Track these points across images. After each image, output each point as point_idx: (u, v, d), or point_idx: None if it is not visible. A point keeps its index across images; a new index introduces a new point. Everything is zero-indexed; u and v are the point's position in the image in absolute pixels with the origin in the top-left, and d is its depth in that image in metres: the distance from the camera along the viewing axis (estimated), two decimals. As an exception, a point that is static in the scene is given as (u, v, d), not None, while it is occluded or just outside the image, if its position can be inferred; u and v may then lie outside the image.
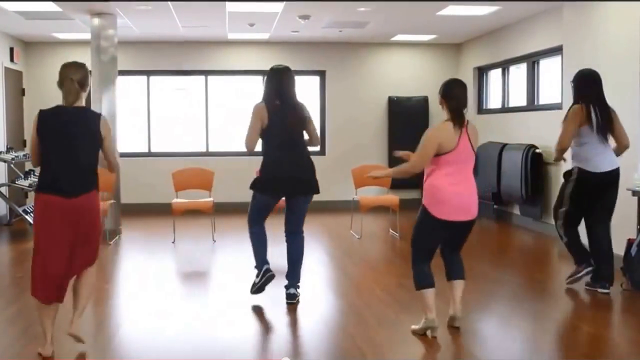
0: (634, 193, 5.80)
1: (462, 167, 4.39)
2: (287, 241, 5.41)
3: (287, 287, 5.37)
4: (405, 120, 11.30)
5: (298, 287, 5.40)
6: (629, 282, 5.62)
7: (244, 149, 5.25)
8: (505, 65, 10.11)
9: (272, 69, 5.32)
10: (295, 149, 5.24)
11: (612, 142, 5.48)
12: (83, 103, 4.12)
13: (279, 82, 5.22)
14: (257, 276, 5.37)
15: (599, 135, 5.37)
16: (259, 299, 5.35)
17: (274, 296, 5.53)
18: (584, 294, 5.60)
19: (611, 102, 5.49)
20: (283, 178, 5.17)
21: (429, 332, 4.41)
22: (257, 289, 5.36)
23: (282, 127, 5.15)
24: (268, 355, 4.33)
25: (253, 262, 5.37)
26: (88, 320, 5.04)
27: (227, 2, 7.90)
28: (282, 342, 4.53)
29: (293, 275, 5.38)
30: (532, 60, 9.20)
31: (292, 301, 5.30)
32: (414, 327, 4.52)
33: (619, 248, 5.66)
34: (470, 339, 4.59)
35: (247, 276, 6.28)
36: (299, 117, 5.23)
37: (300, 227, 5.38)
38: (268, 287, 5.35)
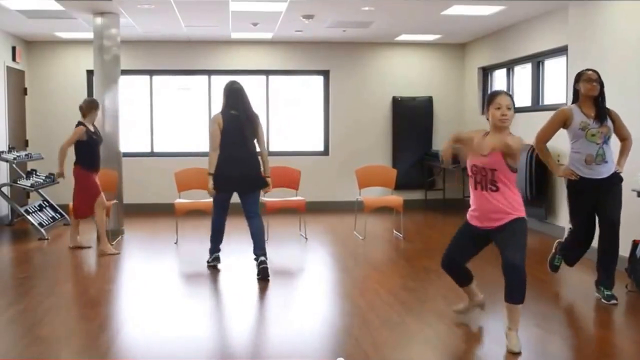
0: (639, 194, 5.76)
1: None
2: (248, 224, 6.35)
3: (256, 259, 6.18)
4: (409, 120, 11.28)
5: (265, 256, 6.15)
6: (634, 284, 5.59)
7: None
8: (510, 65, 10.07)
9: (228, 87, 6.53)
10: (245, 149, 6.25)
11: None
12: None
13: (234, 97, 6.41)
14: (208, 260, 6.70)
15: None
16: (261, 301, 5.34)
17: (276, 297, 5.50)
18: (588, 295, 5.56)
19: (616, 103, 5.45)
20: (232, 177, 6.20)
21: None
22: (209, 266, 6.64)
23: (234, 132, 6.20)
24: (268, 355, 4.31)
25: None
26: (90, 320, 5.02)
27: (230, 1, 7.87)
28: (285, 343, 4.50)
29: (259, 247, 6.25)
30: (537, 60, 9.16)
31: (264, 266, 6.06)
32: None
33: (624, 249, 5.62)
34: (472, 339, 4.56)
35: (249, 276, 6.27)
36: (250, 124, 6.33)
37: (256, 212, 6.33)
38: (270, 291, 5.51)
